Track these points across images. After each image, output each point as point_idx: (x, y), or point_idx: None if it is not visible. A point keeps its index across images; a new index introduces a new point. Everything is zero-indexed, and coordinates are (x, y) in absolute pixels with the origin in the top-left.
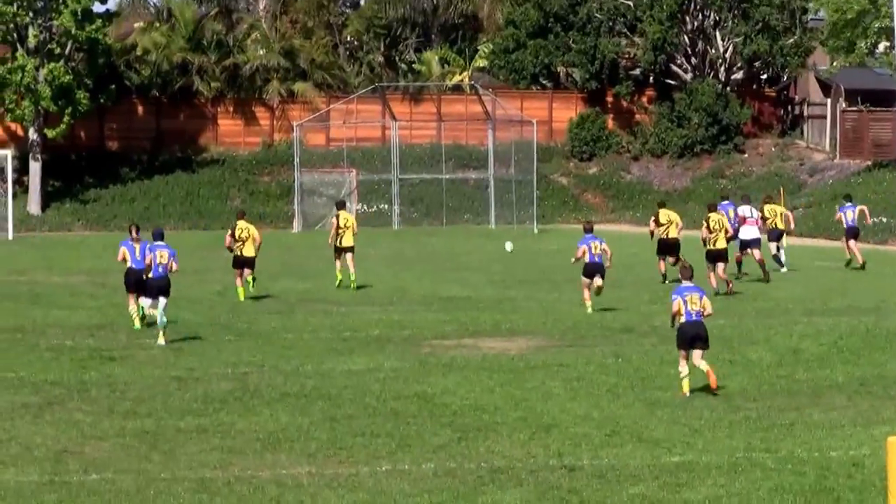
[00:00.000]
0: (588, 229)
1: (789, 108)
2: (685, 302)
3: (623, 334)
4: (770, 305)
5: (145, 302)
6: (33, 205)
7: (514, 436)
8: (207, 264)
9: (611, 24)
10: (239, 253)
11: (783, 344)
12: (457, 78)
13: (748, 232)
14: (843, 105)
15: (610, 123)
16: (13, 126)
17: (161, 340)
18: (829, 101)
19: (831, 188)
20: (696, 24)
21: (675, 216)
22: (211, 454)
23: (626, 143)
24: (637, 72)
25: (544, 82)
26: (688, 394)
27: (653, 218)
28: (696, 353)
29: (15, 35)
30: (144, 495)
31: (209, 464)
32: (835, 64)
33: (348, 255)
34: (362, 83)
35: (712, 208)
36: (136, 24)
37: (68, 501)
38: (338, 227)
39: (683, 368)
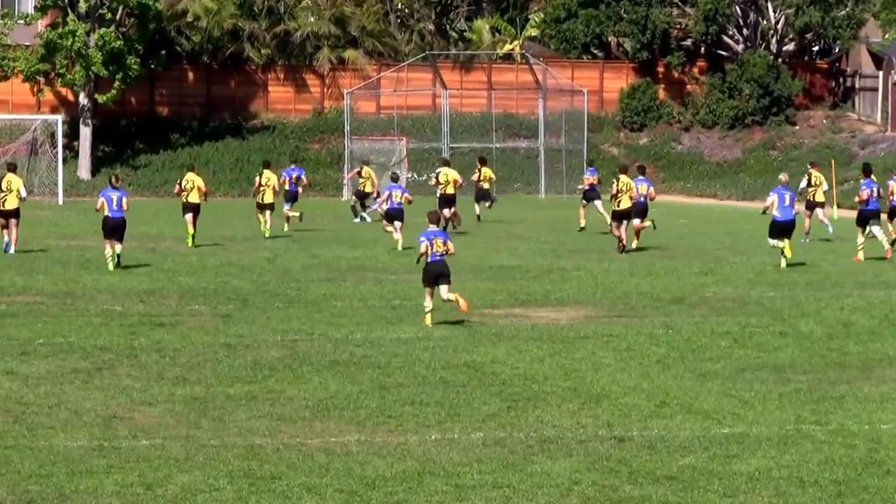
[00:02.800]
0: (394, 178)
1: (841, 80)
2: (431, 244)
3: (673, 305)
4: (821, 278)
5: None
6: (83, 170)
7: (564, 406)
8: (257, 231)
9: None
10: (185, 199)
11: (834, 316)
12: (507, 47)
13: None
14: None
15: (661, 94)
16: (64, 91)
17: None
18: (880, 73)
19: (882, 161)
20: None
21: (454, 175)
22: (260, 421)
23: (676, 114)
24: (688, 42)
25: (595, 52)
26: (430, 325)
27: (435, 174)
28: (443, 289)
29: (66, 0)
30: (193, 461)
31: (258, 431)
32: (887, 36)
33: (267, 212)
34: (413, 51)
35: (623, 170)
36: None
37: (117, 467)
38: (259, 184)
39: (428, 303)
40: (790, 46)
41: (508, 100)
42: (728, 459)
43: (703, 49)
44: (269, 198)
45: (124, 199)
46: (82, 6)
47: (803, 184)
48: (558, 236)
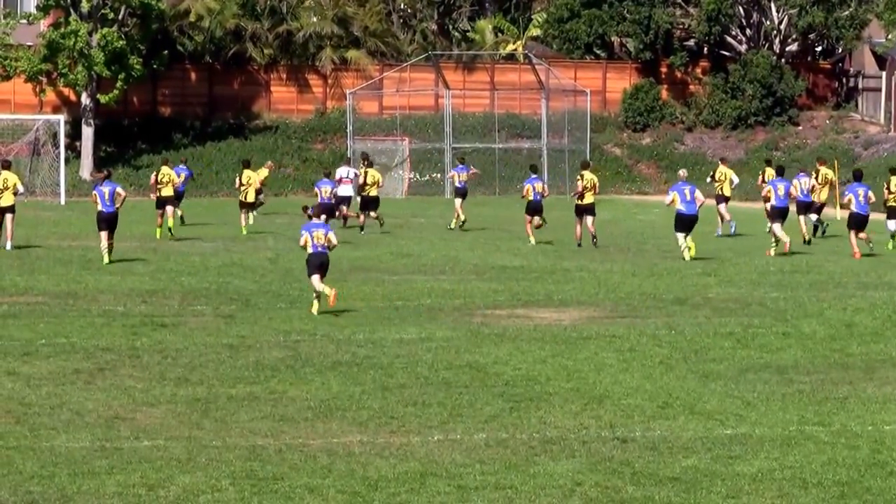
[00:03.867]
0: (326, 175)
1: (844, 80)
2: (312, 237)
3: (675, 306)
4: (824, 278)
5: None
6: (85, 170)
7: (567, 406)
8: (258, 231)
9: None
10: (160, 194)
11: (837, 317)
12: (510, 47)
13: (344, 190)
14: None
15: (664, 94)
16: (66, 91)
17: None
18: (884, 73)
19: (886, 161)
20: None
21: (378, 176)
22: (262, 422)
23: (679, 114)
24: (691, 42)
25: (598, 52)
26: (315, 313)
27: (361, 175)
28: (317, 278)
29: (68, 0)
30: (196, 462)
31: (260, 432)
32: (890, 37)
33: (246, 209)
34: (415, 51)
35: (585, 166)
36: None
37: (119, 467)
38: (240, 184)
39: (318, 286)
40: (793, 47)
41: (511, 100)
42: (731, 460)
43: (706, 49)
44: (250, 197)
45: (117, 190)
46: (84, 6)
47: (709, 179)
48: (560, 236)
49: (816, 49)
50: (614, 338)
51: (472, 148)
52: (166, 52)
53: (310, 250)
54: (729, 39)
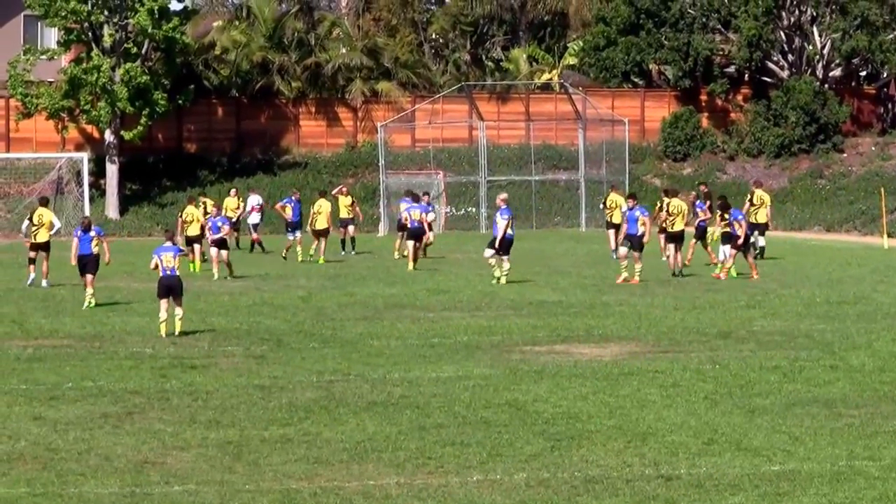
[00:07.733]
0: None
1: (889, 105)
2: (161, 260)
3: (719, 339)
4: (871, 309)
5: None
6: (111, 209)
7: (609, 444)
8: (291, 269)
9: (704, 20)
10: (186, 233)
11: (886, 349)
12: (545, 76)
13: (253, 218)
14: None
15: (704, 122)
16: (89, 128)
17: None
18: None
19: None
20: (792, 19)
21: (326, 207)
22: (296, 465)
23: (721, 143)
24: (732, 69)
25: (636, 80)
26: (165, 335)
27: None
28: (168, 301)
29: (90, 34)
30: None
31: (294, 475)
32: None
33: (323, 239)
34: (448, 82)
35: (670, 194)
36: (214, 23)
37: None
38: (312, 212)
39: (163, 314)
40: (837, 72)
41: (547, 131)
42: (779, 497)
43: (746, 76)
44: (321, 224)
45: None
46: (107, 41)
47: (602, 205)
48: (600, 270)
49: (860, 74)
50: (657, 373)
51: (507, 180)
52: (192, 86)
53: (160, 273)
54: (770, 65)
